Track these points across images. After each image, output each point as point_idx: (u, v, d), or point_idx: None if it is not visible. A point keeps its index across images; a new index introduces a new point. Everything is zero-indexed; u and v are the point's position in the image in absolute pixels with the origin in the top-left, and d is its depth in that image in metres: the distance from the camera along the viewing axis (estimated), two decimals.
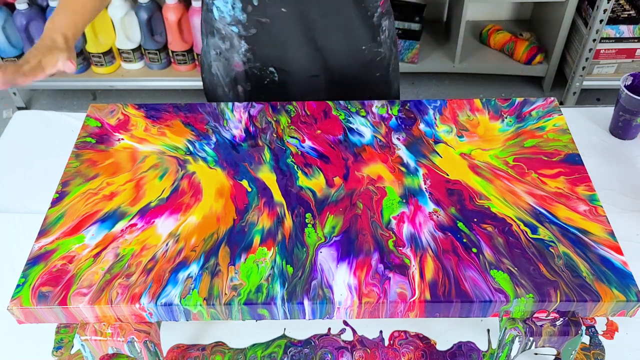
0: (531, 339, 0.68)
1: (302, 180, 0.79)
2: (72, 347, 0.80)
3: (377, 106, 0.90)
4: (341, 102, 0.91)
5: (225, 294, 0.66)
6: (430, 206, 0.75)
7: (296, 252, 0.70)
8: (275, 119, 0.89)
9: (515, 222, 0.73)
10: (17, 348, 0.79)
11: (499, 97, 1.42)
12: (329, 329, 0.81)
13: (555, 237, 0.71)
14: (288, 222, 0.74)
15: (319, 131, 0.86)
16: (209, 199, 0.77)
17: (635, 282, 0.67)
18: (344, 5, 0.94)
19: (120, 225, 0.74)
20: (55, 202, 0.77)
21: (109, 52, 2.09)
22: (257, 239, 0.72)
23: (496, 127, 0.87)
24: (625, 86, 1.03)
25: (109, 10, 2.00)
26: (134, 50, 2.09)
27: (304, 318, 0.68)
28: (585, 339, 0.80)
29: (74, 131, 1.06)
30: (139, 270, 0.68)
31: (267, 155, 0.83)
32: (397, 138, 0.85)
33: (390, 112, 0.89)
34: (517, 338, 0.68)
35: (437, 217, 0.74)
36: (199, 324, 0.82)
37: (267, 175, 0.80)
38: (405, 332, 0.81)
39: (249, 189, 0.78)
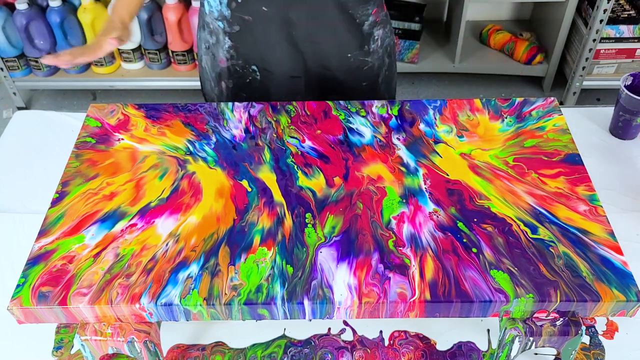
0: (531, 339, 0.68)
1: (302, 180, 0.79)
2: (72, 347, 0.80)
3: (377, 106, 0.90)
4: (341, 102, 0.91)
5: (225, 294, 0.66)
6: (430, 206, 0.75)
7: (296, 252, 0.70)
8: (275, 119, 0.89)
9: (515, 222, 0.73)
10: (17, 348, 0.79)
11: (499, 97, 1.42)
12: (329, 329, 0.81)
13: (555, 237, 0.71)
14: (288, 222, 0.74)
15: (319, 131, 0.86)
16: (209, 199, 0.77)
17: (635, 282, 0.67)
18: (328, 10, 0.94)
19: (120, 225, 0.74)
20: (55, 202, 0.77)
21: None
22: (257, 239, 0.72)
23: (496, 127, 0.87)
24: (625, 86, 1.03)
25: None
26: (134, 50, 2.09)
27: (304, 318, 0.68)
28: (585, 339, 0.80)
29: (74, 131, 1.06)
30: (139, 270, 0.68)
31: (267, 155, 0.83)
32: (397, 138, 0.85)
33: (390, 112, 0.89)
34: (517, 338, 0.68)
35: (437, 217, 0.74)
36: (199, 324, 0.82)
37: (267, 175, 0.80)
38: (405, 332, 0.81)
39: (249, 189, 0.78)
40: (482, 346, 0.79)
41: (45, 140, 1.08)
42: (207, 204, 0.76)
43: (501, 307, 0.66)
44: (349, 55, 1.01)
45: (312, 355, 0.78)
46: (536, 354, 0.79)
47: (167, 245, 0.71)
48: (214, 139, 0.85)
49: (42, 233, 0.73)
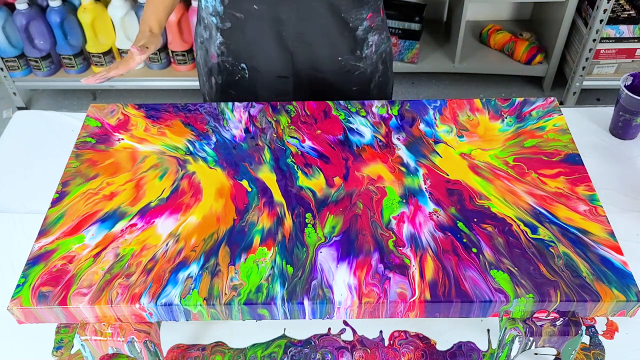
0: (531, 339, 0.68)
1: (302, 180, 0.79)
2: (72, 347, 0.80)
3: (377, 106, 0.90)
4: (341, 102, 0.91)
5: (225, 294, 0.66)
6: (430, 206, 0.75)
7: (296, 252, 0.70)
8: (275, 119, 0.89)
9: (515, 222, 0.73)
10: (17, 348, 0.79)
11: (499, 97, 1.42)
12: (329, 329, 0.81)
13: (555, 237, 0.71)
14: (288, 222, 0.74)
15: (319, 131, 0.86)
16: (209, 199, 0.77)
17: (635, 282, 0.67)
18: (320, 12, 0.94)
19: (120, 225, 0.74)
20: (55, 202, 0.77)
21: (109, 52, 2.09)
22: (257, 239, 0.72)
23: (496, 127, 0.87)
24: (625, 86, 1.03)
25: (109, 10, 2.00)
26: None
27: (304, 318, 0.68)
28: (585, 339, 0.80)
29: (74, 131, 1.06)
30: (139, 270, 0.68)
31: (267, 155, 0.83)
32: (397, 138, 0.85)
33: (390, 112, 0.89)
34: (517, 338, 0.68)
35: (437, 217, 0.74)
36: (199, 324, 0.82)
37: (267, 175, 0.80)
38: (405, 332, 0.81)
39: (249, 189, 0.78)
40: (482, 346, 0.79)
41: (45, 140, 1.08)
42: (207, 204, 0.76)
43: (501, 307, 0.66)
44: (340, 58, 1.00)
45: (312, 355, 0.78)
46: (536, 354, 0.79)
47: (167, 245, 0.71)
48: (214, 139, 0.85)
49: (42, 233, 0.73)
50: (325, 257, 0.70)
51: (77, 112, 1.14)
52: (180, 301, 0.65)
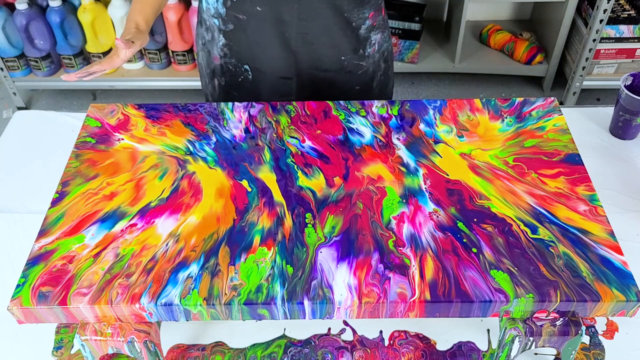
0: (531, 339, 0.68)
1: (302, 180, 0.79)
2: (72, 347, 0.80)
3: (377, 106, 0.90)
4: (341, 102, 0.91)
5: (225, 294, 0.66)
6: (430, 206, 0.75)
7: (296, 252, 0.70)
8: (275, 119, 0.89)
9: (515, 222, 0.73)
10: (17, 348, 0.79)
11: (499, 97, 1.42)
12: (329, 329, 0.81)
13: (555, 237, 0.71)
14: (288, 222, 0.74)
15: (319, 131, 0.86)
16: (209, 199, 0.77)
17: (635, 282, 0.67)
18: (322, 12, 0.94)
19: (120, 225, 0.74)
20: (55, 202, 0.77)
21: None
22: (257, 239, 0.72)
23: (496, 127, 0.87)
24: (625, 86, 1.03)
25: (109, 10, 2.00)
26: None
27: (304, 318, 0.68)
28: (585, 339, 0.80)
29: (74, 131, 1.06)
30: (139, 270, 0.68)
31: (267, 155, 0.83)
32: (397, 138, 0.85)
33: (390, 112, 0.89)
34: (517, 338, 0.68)
35: (437, 217, 0.74)
36: (199, 324, 0.82)
37: (267, 175, 0.80)
38: (405, 332, 0.81)
39: (249, 189, 0.78)
40: (482, 346, 0.79)
41: (45, 140, 1.08)
42: (207, 204, 0.76)
43: (501, 307, 0.66)
44: (343, 58, 1.01)
45: (312, 355, 0.78)
46: (536, 354, 0.79)
47: (167, 245, 0.71)
48: (214, 139, 0.85)
49: (42, 233, 0.73)
50: (325, 257, 0.70)
51: (77, 112, 1.15)
52: (180, 301, 0.65)
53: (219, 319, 0.68)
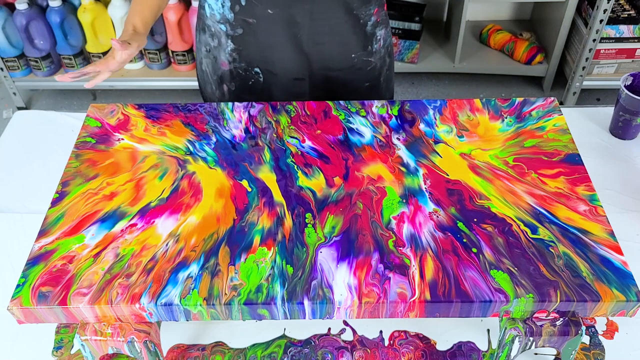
0: (531, 339, 0.68)
1: (302, 180, 0.79)
2: (72, 347, 0.80)
3: (377, 106, 0.90)
4: (341, 102, 0.91)
5: (225, 294, 0.66)
6: (430, 206, 0.75)
7: (296, 252, 0.70)
8: (275, 119, 0.89)
9: (515, 222, 0.73)
10: (17, 348, 0.79)
11: (499, 97, 1.42)
12: (329, 329, 0.81)
13: (555, 237, 0.71)
14: (288, 222, 0.74)
15: (319, 131, 0.86)
16: (209, 199, 0.77)
17: (635, 282, 0.67)
18: (334, 11, 0.94)
19: (120, 225, 0.74)
20: (55, 202, 0.77)
21: (109, 52, 2.09)
22: (257, 239, 0.72)
23: (496, 127, 0.87)
24: (625, 86, 1.03)
25: (109, 10, 2.00)
26: None
27: (304, 318, 0.68)
28: (585, 339, 0.80)
29: (74, 131, 1.06)
30: (139, 270, 0.68)
31: (267, 155, 0.83)
32: (397, 138, 0.85)
33: (390, 112, 0.89)
34: (517, 338, 0.68)
35: (437, 217, 0.74)
36: (199, 324, 0.82)
37: (267, 175, 0.80)
38: (405, 332, 0.81)
39: (249, 189, 0.78)
40: (482, 346, 0.79)
41: (45, 140, 1.08)
42: (207, 204, 0.76)
43: (501, 307, 0.66)
44: (353, 55, 1.01)
45: (312, 355, 0.78)
46: (536, 354, 0.79)
47: (167, 245, 0.71)
48: (214, 139, 0.85)
49: (42, 233, 0.73)
50: (325, 257, 0.70)
51: (77, 112, 1.15)
52: (180, 301, 0.65)
53: (219, 319, 0.68)
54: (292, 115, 0.89)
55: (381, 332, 0.81)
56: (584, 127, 1.08)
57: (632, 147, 1.05)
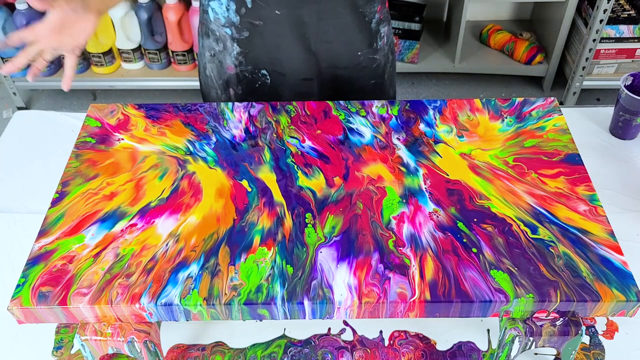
0: (531, 339, 0.68)
1: (302, 180, 0.79)
2: (72, 347, 0.80)
3: (377, 106, 0.90)
4: (341, 102, 0.91)
5: (225, 294, 0.66)
6: (430, 206, 0.75)
7: (296, 252, 0.70)
8: (275, 119, 0.89)
9: (515, 222, 0.73)
10: (17, 348, 0.79)
11: (499, 97, 1.42)
12: (329, 329, 0.81)
13: (555, 237, 0.71)
14: (288, 222, 0.74)
15: (319, 131, 0.86)
16: (209, 199, 0.77)
17: (635, 282, 0.67)
18: (341, 10, 0.94)
19: (120, 225, 0.74)
20: (55, 202, 0.77)
21: (109, 52, 2.10)
22: (257, 239, 0.72)
23: (496, 127, 0.87)
24: (625, 86, 1.04)
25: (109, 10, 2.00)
26: (134, 50, 2.10)
27: (304, 318, 0.68)
28: (585, 339, 0.80)
29: (74, 131, 1.06)
30: (139, 270, 0.68)
31: (267, 155, 0.83)
32: (397, 138, 0.85)
33: (390, 112, 0.89)
34: (517, 338, 0.68)
35: (437, 217, 0.74)
36: (199, 324, 0.82)
37: (267, 175, 0.80)
38: (405, 332, 0.81)
39: (249, 189, 0.78)
40: (482, 346, 0.79)
41: (45, 140, 1.08)
42: (207, 204, 0.76)
43: (501, 307, 0.66)
44: (359, 53, 1.01)
45: (312, 355, 0.78)
46: (536, 354, 0.79)
47: (167, 245, 0.71)
48: (214, 139, 0.85)
49: (42, 233, 0.73)
50: (325, 257, 0.70)
51: (77, 112, 1.14)
52: (180, 301, 0.65)
53: (219, 319, 0.68)
54: (292, 115, 0.89)
55: (381, 332, 0.81)
56: (584, 127, 1.08)
57: (632, 147, 1.05)
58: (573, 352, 0.71)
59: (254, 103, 0.91)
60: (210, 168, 0.81)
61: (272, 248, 0.70)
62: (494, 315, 0.68)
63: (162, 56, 2.11)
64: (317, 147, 0.84)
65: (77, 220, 0.74)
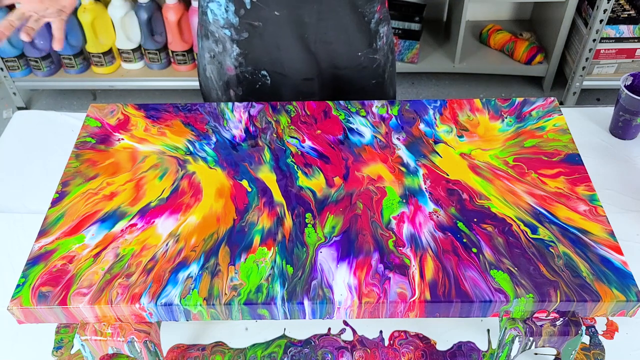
0: (531, 339, 0.68)
1: (302, 180, 0.79)
2: (72, 347, 0.80)
3: (377, 106, 0.90)
4: (341, 102, 0.91)
5: (225, 294, 0.66)
6: (430, 206, 0.75)
7: (296, 252, 0.70)
8: (275, 119, 0.89)
9: (515, 222, 0.73)
10: (17, 348, 0.79)
11: (499, 97, 1.42)
12: (329, 329, 0.81)
13: (555, 237, 0.71)
14: (288, 222, 0.74)
15: (319, 131, 0.86)
16: (209, 199, 0.77)
17: (635, 282, 0.67)
18: (340, 10, 0.94)
19: (120, 225, 0.74)
20: (55, 202, 0.77)
21: (109, 52, 2.10)
22: (257, 239, 0.72)
23: (496, 127, 0.87)
24: (625, 86, 1.04)
25: (109, 10, 2.00)
26: (134, 50, 2.10)
27: (304, 318, 0.68)
28: (585, 339, 0.80)
29: (74, 131, 1.06)
30: (139, 270, 0.68)
31: (267, 155, 0.83)
32: (397, 138, 0.85)
33: (390, 112, 0.90)
34: (517, 338, 0.68)
35: (437, 217, 0.74)
36: (199, 324, 0.82)
37: (267, 175, 0.80)
38: (405, 332, 0.81)
39: (249, 189, 0.78)
40: (482, 346, 0.79)
41: (45, 140, 1.08)
42: (207, 204, 0.76)
43: (501, 307, 0.66)
44: (360, 54, 1.01)
45: (312, 355, 0.78)
46: (536, 354, 0.79)
47: (167, 245, 0.71)
48: (214, 139, 0.85)
49: (42, 233, 0.73)
50: (325, 257, 0.70)
51: (77, 112, 1.14)
52: (180, 301, 0.65)
53: (219, 319, 0.68)
54: (292, 115, 0.89)
55: (381, 332, 0.81)
56: (584, 127, 1.08)
57: (632, 147, 1.05)
58: (573, 352, 0.71)
59: (254, 103, 0.91)
60: (210, 168, 0.81)
61: (272, 248, 0.70)
62: (494, 315, 0.68)
63: (162, 56, 2.11)
64: (317, 147, 0.84)
65: (77, 220, 0.74)
